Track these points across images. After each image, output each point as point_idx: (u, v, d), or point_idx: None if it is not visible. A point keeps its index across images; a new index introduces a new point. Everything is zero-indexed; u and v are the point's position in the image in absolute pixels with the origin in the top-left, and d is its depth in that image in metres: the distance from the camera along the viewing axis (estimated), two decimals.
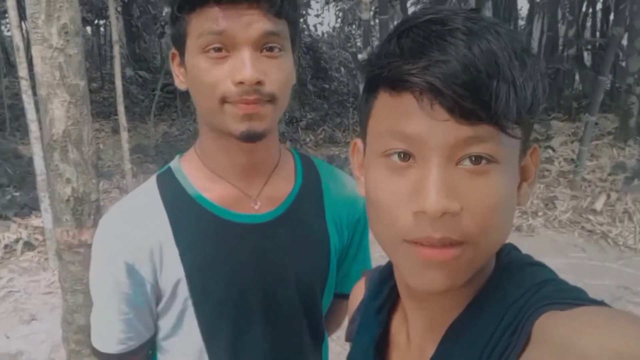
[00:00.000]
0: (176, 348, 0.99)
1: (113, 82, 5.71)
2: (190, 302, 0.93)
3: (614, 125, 6.97)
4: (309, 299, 1.02)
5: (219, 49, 0.84)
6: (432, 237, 0.51)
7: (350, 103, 9.36)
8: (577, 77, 8.57)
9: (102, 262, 0.94)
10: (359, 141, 0.65)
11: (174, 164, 0.99)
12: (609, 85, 7.81)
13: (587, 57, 8.52)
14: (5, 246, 4.47)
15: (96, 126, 8.76)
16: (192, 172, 0.97)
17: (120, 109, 4.82)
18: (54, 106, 1.21)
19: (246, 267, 0.94)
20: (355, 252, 1.11)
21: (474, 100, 0.49)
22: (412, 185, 0.52)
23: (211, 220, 0.93)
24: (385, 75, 0.53)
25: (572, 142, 6.66)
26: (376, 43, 8.80)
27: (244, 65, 0.83)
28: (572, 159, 6.09)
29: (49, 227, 3.80)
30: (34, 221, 4.84)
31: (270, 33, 0.85)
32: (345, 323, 0.85)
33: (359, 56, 6.61)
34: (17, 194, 5.48)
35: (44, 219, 4.03)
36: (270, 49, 0.86)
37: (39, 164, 3.89)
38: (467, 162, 0.51)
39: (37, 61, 1.20)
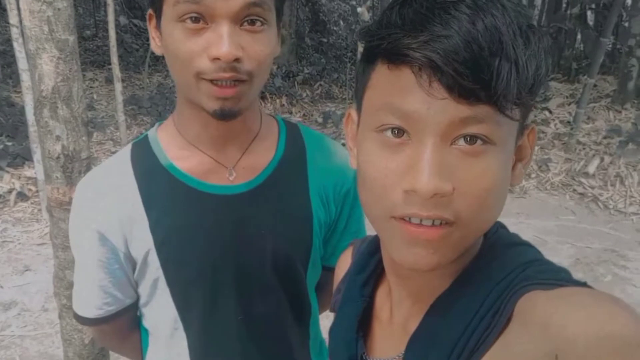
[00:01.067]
0: (154, 315, 1.00)
1: (107, 30, 5.58)
2: (161, 272, 0.93)
3: (612, 87, 6.92)
4: (288, 272, 1.00)
5: (196, 19, 0.79)
6: (419, 214, 0.51)
7: (349, 58, 9.22)
8: (578, 36, 8.44)
9: (77, 228, 0.95)
10: (353, 112, 0.64)
11: (151, 132, 0.97)
12: (610, 47, 7.71)
13: (590, 17, 8.37)
14: None
15: (90, 75, 8.62)
16: (167, 141, 0.95)
17: (114, 59, 4.73)
18: (42, 62, 1.18)
19: (218, 239, 0.93)
20: (345, 224, 1.08)
21: (474, 79, 0.48)
22: (405, 163, 0.52)
23: (182, 190, 0.92)
24: (384, 47, 0.52)
25: (569, 104, 6.63)
26: None
27: (221, 40, 0.78)
28: (569, 121, 6.07)
29: (42, 179, 3.79)
30: (27, 172, 4.83)
31: (252, 4, 0.80)
32: None
33: (358, 9, 6.46)
34: (9, 143, 5.44)
35: (37, 170, 4.01)
36: (252, 22, 0.81)
37: (31, 115, 3.85)
38: (461, 142, 0.51)
39: (25, 14, 1.17)
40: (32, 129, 3.84)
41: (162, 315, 0.98)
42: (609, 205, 4.69)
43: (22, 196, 4.54)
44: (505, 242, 0.61)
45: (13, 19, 3.67)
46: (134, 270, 0.95)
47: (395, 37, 0.50)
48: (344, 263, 0.81)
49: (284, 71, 8.45)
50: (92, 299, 0.96)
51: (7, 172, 4.82)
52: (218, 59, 0.79)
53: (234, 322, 0.98)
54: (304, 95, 8.02)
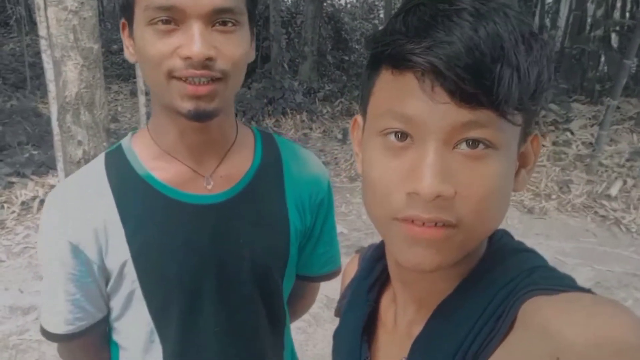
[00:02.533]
0: (127, 329, 0.97)
1: None
2: (138, 284, 0.90)
3: (636, 110, 6.82)
4: (266, 282, 0.99)
5: (167, 21, 0.78)
6: (421, 217, 0.52)
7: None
8: (602, 58, 8.36)
9: (47, 242, 0.91)
10: (359, 117, 0.65)
11: (125, 141, 0.95)
12: (634, 69, 7.62)
13: (614, 39, 8.29)
14: (22, 203, 4.56)
15: (115, 88, 8.80)
16: (143, 150, 0.93)
17: (139, 72, 4.82)
18: (67, 68, 1.22)
19: (196, 249, 0.91)
20: (319, 233, 1.07)
21: (475, 84, 0.49)
22: (408, 166, 0.52)
23: (160, 200, 0.90)
24: (388, 53, 0.53)
25: (592, 125, 6.54)
26: None
27: (193, 40, 0.77)
28: (591, 143, 5.99)
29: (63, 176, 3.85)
30: (51, 180, 4.92)
31: (222, 10, 0.79)
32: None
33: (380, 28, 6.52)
34: (35, 152, 5.56)
35: (60, 178, 4.08)
36: (224, 23, 0.80)
37: (56, 125, 3.94)
38: (464, 146, 0.51)
39: (52, 23, 1.21)
40: (57, 137, 3.92)
41: (136, 328, 0.95)
42: (631, 228, 4.60)
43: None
44: (510, 248, 0.62)
45: (42, 31, 3.77)
46: (107, 282, 0.92)
47: (399, 44, 0.52)
48: (351, 269, 0.81)
49: (305, 87, 8.51)
50: (62, 314, 0.92)
51: (32, 179, 4.93)
52: (189, 58, 0.77)
53: (211, 333, 0.96)
54: (325, 111, 8.06)
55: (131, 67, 8.90)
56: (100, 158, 0.94)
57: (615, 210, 4.87)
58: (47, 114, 6.05)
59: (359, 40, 11.14)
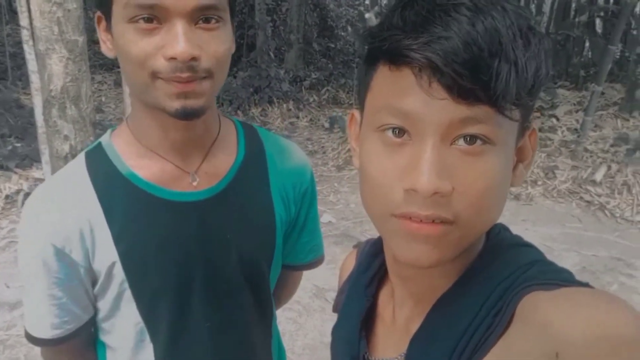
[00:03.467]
0: (116, 329, 0.96)
1: None
2: (127, 285, 0.89)
3: (620, 95, 6.89)
4: (254, 275, 0.99)
5: (149, 20, 0.76)
6: (419, 213, 0.51)
7: (356, 63, 9.23)
8: (587, 44, 8.42)
9: (30, 246, 0.88)
10: (356, 112, 0.64)
11: (104, 139, 0.92)
12: (618, 55, 7.68)
13: (598, 24, 8.35)
14: (6, 197, 4.51)
15: (99, 78, 8.69)
16: (124, 148, 0.90)
17: None
18: (52, 62, 1.20)
19: (184, 247, 0.91)
20: (303, 223, 1.08)
21: (473, 79, 0.48)
22: (405, 163, 0.52)
23: (146, 199, 0.88)
24: (385, 48, 0.52)
25: (577, 111, 6.60)
26: (385, 2, 8.62)
27: (177, 39, 0.75)
28: (576, 129, 6.05)
29: (49, 171, 3.81)
30: (35, 173, 4.86)
31: (206, 7, 0.78)
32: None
33: (366, 15, 6.48)
34: (18, 144, 5.48)
35: (45, 171, 4.03)
36: (207, 20, 0.78)
37: (39, 116, 3.88)
38: (461, 142, 0.51)
39: (35, 15, 1.18)
40: (41, 130, 3.86)
41: (126, 328, 0.94)
42: (615, 213, 4.66)
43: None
44: (508, 243, 0.62)
45: (23, 21, 3.70)
46: (94, 284, 0.91)
47: (396, 39, 0.51)
48: (349, 264, 0.81)
49: (291, 76, 8.47)
50: (48, 318, 0.90)
51: (16, 173, 4.86)
52: (174, 58, 0.76)
53: (202, 328, 0.96)
54: (311, 100, 8.04)
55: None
56: (81, 158, 0.91)
57: (599, 196, 4.93)
58: (29, 106, 5.95)
59: (345, 27, 11.10)
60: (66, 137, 1.24)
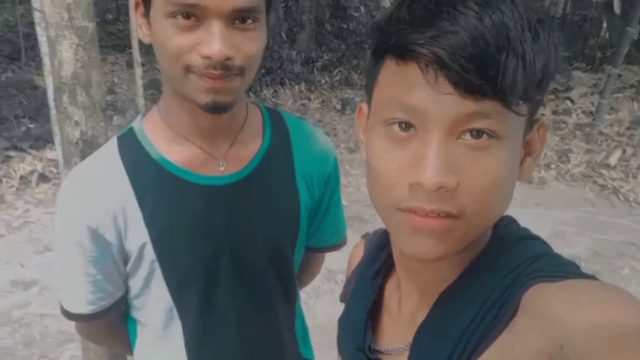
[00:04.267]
0: (146, 306, 1.00)
1: (128, 14, 5.61)
2: (157, 265, 0.93)
3: (637, 78, 6.78)
4: (278, 257, 1.03)
5: (187, 16, 0.79)
6: (424, 208, 0.52)
7: (369, 45, 9.12)
8: (604, 25, 8.26)
9: (65, 226, 0.93)
10: (364, 105, 0.64)
11: (136, 124, 0.96)
12: (636, 36, 7.53)
13: (616, 5, 8.17)
14: (21, 177, 4.56)
15: (111, 59, 8.68)
16: (155, 133, 0.94)
17: (135, 43, 4.76)
18: (62, 48, 1.20)
19: (213, 230, 0.94)
20: (327, 207, 1.11)
21: (480, 74, 0.48)
22: (411, 157, 0.52)
23: (176, 183, 0.92)
24: (392, 42, 0.52)
25: (592, 94, 6.51)
26: None
27: (213, 39, 0.78)
28: (591, 112, 5.97)
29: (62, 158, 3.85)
30: (49, 154, 4.91)
31: (244, 9, 0.80)
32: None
33: None
34: (32, 125, 5.53)
35: (58, 152, 4.07)
36: (243, 20, 0.81)
37: (52, 100, 3.90)
38: (467, 137, 0.51)
39: (45, 1, 1.18)
40: (54, 111, 3.89)
41: (156, 305, 0.99)
42: (629, 197, 4.62)
43: (43, 178, 4.63)
44: (514, 236, 0.62)
45: (36, 2, 3.71)
46: (125, 263, 0.95)
47: (403, 33, 0.51)
48: (357, 254, 0.82)
49: (303, 57, 8.41)
50: (84, 295, 0.96)
51: (29, 153, 4.92)
52: (209, 57, 0.79)
53: (229, 308, 1.00)
54: (323, 81, 7.98)
55: (127, 37, 8.78)
56: (113, 142, 0.95)
57: (613, 180, 4.88)
58: (42, 87, 5.98)
59: (358, 7, 10.96)
60: (77, 123, 1.25)
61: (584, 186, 4.87)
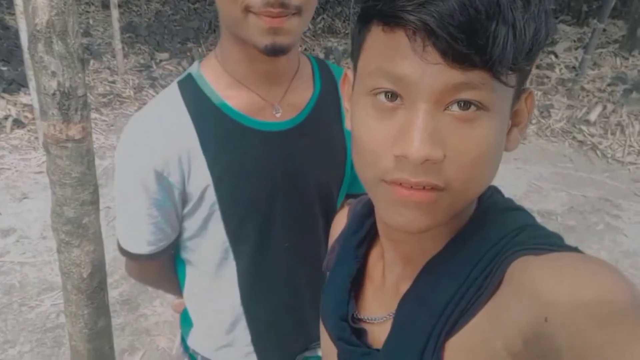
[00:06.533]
0: (201, 247, 1.04)
1: None
2: (217, 207, 0.97)
3: (621, 33, 6.77)
4: (327, 202, 1.08)
5: None
6: (409, 180, 0.51)
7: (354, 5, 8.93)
8: None
9: (130, 170, 0.95)
10: (349, 72, 0.62)
11: (194, 70, 0.98)
12: None
13: None
14: None
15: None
16: (214, 79, 0.96)
17: None
18: None
19: (269, 173, 0.98)
20: None
21: (469, 44, 0.46)
22: (397, 128, 0.51)
23: (236, 128, 0.95)
24: (379, 7, 0.50)
25: (577, 48, 6.50)
26: None
27: None
28: (574, 67, 5.97)
29: (38, 107, 3.76)
30: (23, 99, 4.77)
31: None
32: None
33: None
34: (4, 68, 5.35)
35: (33, 97, 3.96)
36: None
37: (26, 40, 3.76)
38: (455, 108, 0.50)
39: None
40: (28, 55, 3.75)
41: (212, 246, 1.02)
42: (607, 153, 4.69)
43: (18, 123, 4.51)
44: (499, 207, 0.62)
45: None
46: (184, 206, 0.98)
47: None
48: (340, 222, 0.81)
49: None
50: (145, 235, 1.00)
51: (3, 98, 4.77)
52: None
53: (281, 249, 1.04)
54: (305, 29, 7.82)
55: None
56: (174, 87, 0.97)
57: (592, 136, 4.94)
58: (14, 27, 5.75)
59: None
60: (53, 74, 1.19)
61: (564, 142, 4.93)
